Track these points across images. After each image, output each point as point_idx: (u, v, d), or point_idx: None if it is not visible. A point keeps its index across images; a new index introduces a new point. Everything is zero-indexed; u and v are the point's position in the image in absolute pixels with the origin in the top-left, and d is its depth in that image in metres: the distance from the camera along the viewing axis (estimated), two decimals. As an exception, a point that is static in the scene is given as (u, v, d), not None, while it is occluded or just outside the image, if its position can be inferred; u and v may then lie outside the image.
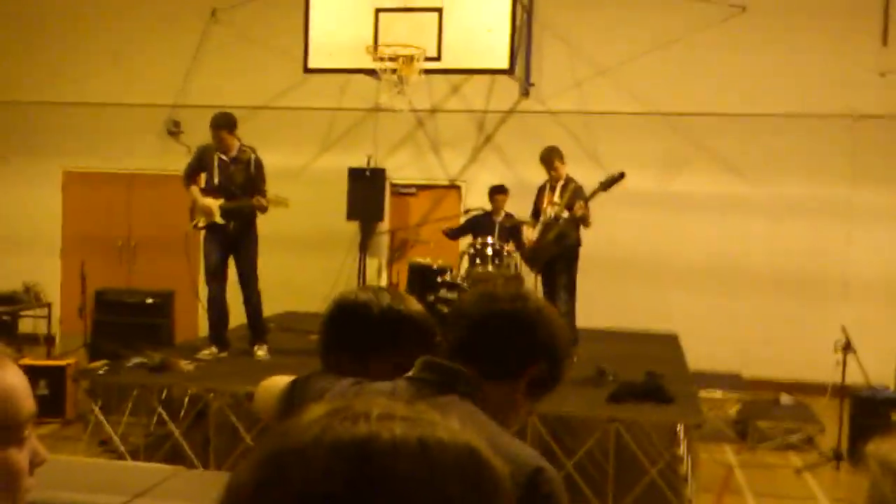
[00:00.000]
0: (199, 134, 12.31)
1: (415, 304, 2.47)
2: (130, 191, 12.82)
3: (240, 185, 8.02)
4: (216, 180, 8.05)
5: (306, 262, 11.88)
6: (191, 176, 8.24)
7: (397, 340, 2.36)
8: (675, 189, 11.34)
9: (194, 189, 8.17)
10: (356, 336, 2.39)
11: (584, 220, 8.78)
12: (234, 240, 8.11)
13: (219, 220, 8.04)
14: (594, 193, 8.61)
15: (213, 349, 8.14)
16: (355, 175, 11.00)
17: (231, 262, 8.28)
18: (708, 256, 11.35)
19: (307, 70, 10.10)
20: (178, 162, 12.32)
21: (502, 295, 2.12)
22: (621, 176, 8.47)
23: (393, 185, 11.85)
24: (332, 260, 11.36)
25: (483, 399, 2.00)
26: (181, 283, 10.77)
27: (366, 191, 10.87)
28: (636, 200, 10.26)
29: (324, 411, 0.98)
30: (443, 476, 0.93)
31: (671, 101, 11.34)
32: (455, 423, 0.98)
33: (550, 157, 8.97)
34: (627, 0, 11.27)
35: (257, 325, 8.39)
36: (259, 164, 8.12)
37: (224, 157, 8.05)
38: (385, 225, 11.38)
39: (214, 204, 8.03)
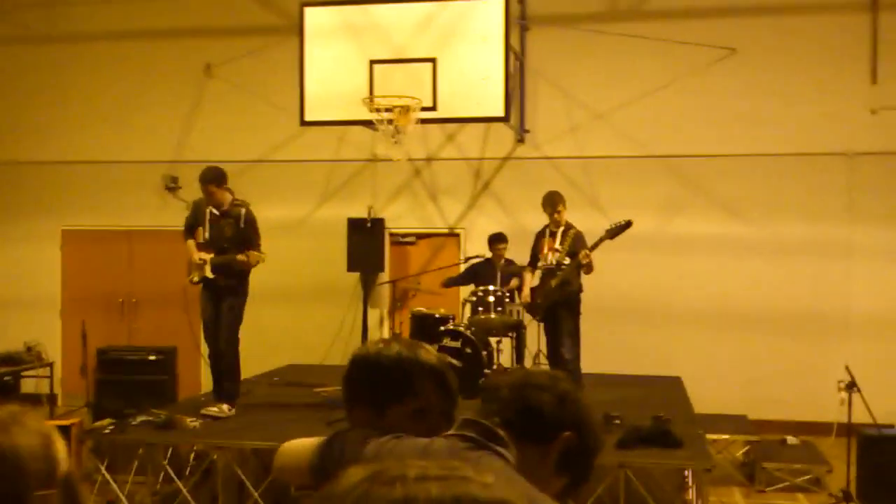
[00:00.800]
0: (198, 189, 12.38)
1: (427, 350, 2.51)
2: (130, 247, 12.85)
3: (228, 239, 8.02)
4: (207, 235, 8.09)
5: (308, 315, 11.90)
6: (189, 230, 8.29)
7: (412, 387, 2.39)
8: (675, 231, 11.39)
9: (191, 243, 8.22)
10: (370, 388, 2.42)
11: (588, 268, 8.82)
12: (218, 293, 8.13)
13: (209, 274, 8.06)
14: (600, 241, 8.66)
15: (223, 406, 8.09)
16: (355, 225, 11.06)
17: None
18: (709, 298, 11.36)
19: (304, 123, 10.16)
20: (176, 217, 12.38)
21: (540, 373, 2.26)
22: (628, 224, 8.53)
23: (392, 235, 11.90)
24: (334, 311, 11.39)
25: (517, 461, 2.04)
26: (183, 339, 10.78)
27: (366, 241, 10.92)
28: (636, 244, 10.30)
29: (361, 476, 1.00)
30: None
31: (667, 144, 11.44)
32: (489, 478, 1.00)
33: (554, 201, 9.03)
34: (619, 45, 11.36)
35: (225, 383, 8.21)
36: (250, 219, 8.09)
37: (215, 212, 8.09)
38: (386, 275, 11.41)
39: (206, 258, 8.07)
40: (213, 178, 8.08)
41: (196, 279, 8.16)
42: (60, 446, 1.39)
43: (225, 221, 8.07)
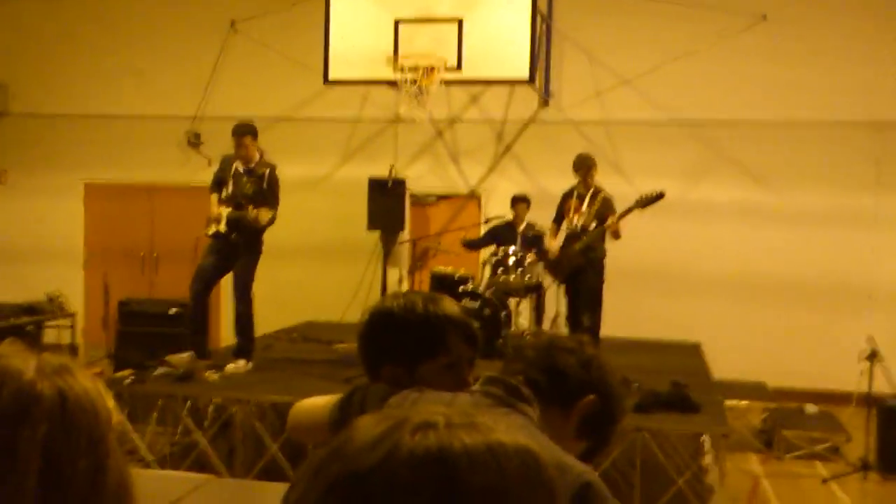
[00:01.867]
0: (220, 145, 12.36)
1: (449, 301, 2.48)
2: (152, 202, 12.88)
3: (248, 196, 7.99)
4: (230, 190, 8.09)
5: (327, 273, 11.92)
6: (216, 185, 8.28)
7: (444, 342, 2.37)
8: (698, 198, 11.29)
9: (213, 197, 8.23)
10: (400, 346, 2.39)
11: (616, 234, 8.75)
12: (235, 251, 8.13)
13: (222, 228, 8.06)
14: (629, 210, 8.59)
15: (240, 362, 8.10)
16: (375, 185, 11.01)
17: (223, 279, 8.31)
18: (731, 266, 11.30)
19: (327, 81, 10.13)
20: (198, 173, 12.43)
21: (566, 337, 2.33)
22: (660, 196, 8.44)
23: (413, 196, 11.86)
24: (353, 270, 11.37)
25: (539, 421, 2.04)
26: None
27: (386, 201, 10.87)
28: (659, 209, 10.15)
29: (383, 426, 0.97)
30: (511, 479, 0.95)
31: (693, 109, 11.32)
32: (503, 426, 0.99)
33: (587, 164, 8.95)
34: (647, 9, 11.23)
35: (239, 339, 8.24)
36: (273, 179, 8.09)
37: (240, 169, 8.08)
38: (406, 235, 11.39)
39: (223, 213, 8.08)
40: (249, 130, 8.10)
41: (210, 232, 8.17)
42: (109, 394, 1.39)
43: (248, 179, 8.05)
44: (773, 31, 11.08)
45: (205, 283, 8.16)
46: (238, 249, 8.12)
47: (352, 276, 11.27)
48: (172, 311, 9.77)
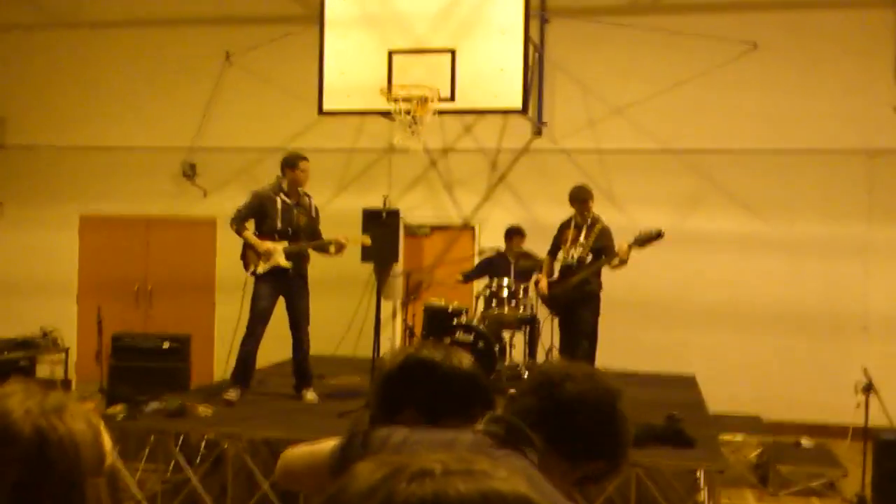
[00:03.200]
0: (215, 176, 12.40)
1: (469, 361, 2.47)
2: (147, 234, 12.82)
3: (302, 228, 8.17)
4: (279, 224, 8.07)
5: (321, 305, 11.73)
6: (244, 220, 8.25)
7: (480, 403, 2.35)
8: (691, 227, 11.23)
9: (250, 234, 8.17)
10: (433, 396, 2.36)
11: (620, 265, 8.62)
12: (291, 284, 8.11)
13: (284, 263, 8.05)
14: (629, 248, 8.46)
15: (237, 390, 8.07)
16: (370, 216, 10.96)
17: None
18: (725, 296, 11.22)
19: (322, 112, 10.10)
20: (193, 205, 12.41)
21: (600, 380, 2.16)
22: (659, 235, 8.33)
23: (407, 226, 11.80)
24: (347, 302, 11.27)
25: (540, 463, 1.99)
26: (197, 327, 10.74)
27: (381, 232, 10.82)
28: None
29: (380, 473, 0.98)
30: None
31: (686, 138, 11.29)
32: (503, 473, 1.00)
33: (582, 197, 8.87)
34: (639, 39, 11.23)
35: (307, 370, 8.39)
36: (317, 209, 8.39)
37: (287, 201, 8.11)
38: (399, 266, 11.32)
39: (278, 247, 8.06)
40: (301, 159, 8.27)
41: (262, 269, 8.10)
42: (106, 435, 1.40)
43: (298, 210, 8.15)
44: (765, 60, 11.07)
45: (265, 325, 8.18)
46: (291, 284, 8.13)
47: (345, 308, 11.18)
48: (166, 345, 9.69)
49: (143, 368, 9.54)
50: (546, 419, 2.05)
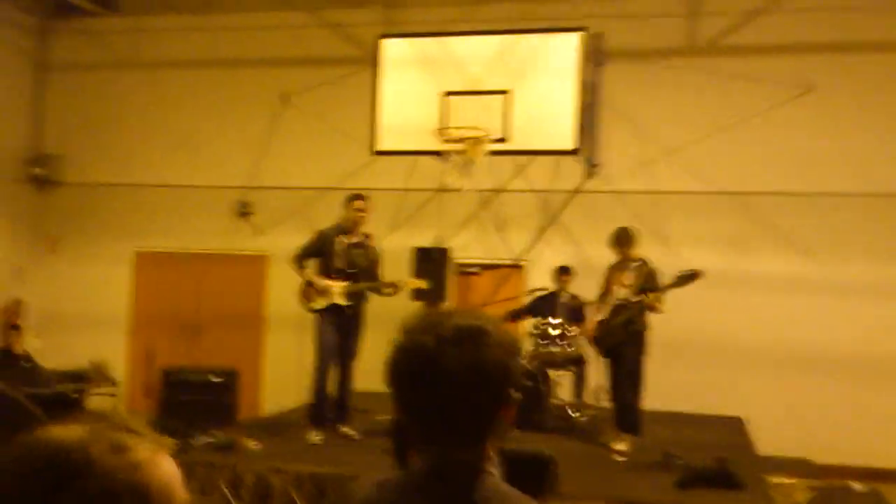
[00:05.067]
0: (269, 214, 12.58)
1: None
2: (200, 270, 13.02)
3: (363, 269, 8.39)
4: (338, 264, 8.23)
5: (370, 341, 11.88)
6: (305, 258, 8.45)
7: None
8: (741, 268, 11.18)
9: (310, 272, 8.37)
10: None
11: (654, 310, 8.65)
12: (347, 321, 8.25)
13: (344, 301, 8.26)
14: (667, 288, 8.49)
15: (320, 433, 8.30)
16: (421, 255, 11.04)
17: None
18: (775, 337, 11.12)
19: (375, 152, 10.25)
20: (246, 242, 12.60)
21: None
22: (695, 275, 8.34)
23: (457, 265, 11.86)
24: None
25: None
26: (245, 362, 10.84)
27: (430, 269, 10.88)
28: (703, 281, 10.12)
29: None
30: None
31: (739, 180, 11.28)
32: None
33: (622, 240, 8.89)
34: (693, 81, 11.26)
35: (346, 404, 8.61)
36: (378, 250, 8.62)
37: (347, 241, 8.26)
38: (449, 305, 11.36)
39: (337, 286, 8.22)
40: (360, 196, 8.47)
41: (320, 306, 8.28)
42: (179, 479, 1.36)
43: (358, 251, 8.36)
44: (818, 103, 11.03)
45: (335, 360, 8.37)
46: (348, 321, 8.33)
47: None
48: (215, 379, 9.79)
49: (193, 402, 9.62)
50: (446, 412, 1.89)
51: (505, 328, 1.95)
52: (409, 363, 1.92)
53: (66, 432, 1.28)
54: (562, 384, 9.80)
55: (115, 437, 1.30)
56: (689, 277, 8.35)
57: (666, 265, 9.03)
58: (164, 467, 1.31)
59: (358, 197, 8.44)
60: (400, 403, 1.93)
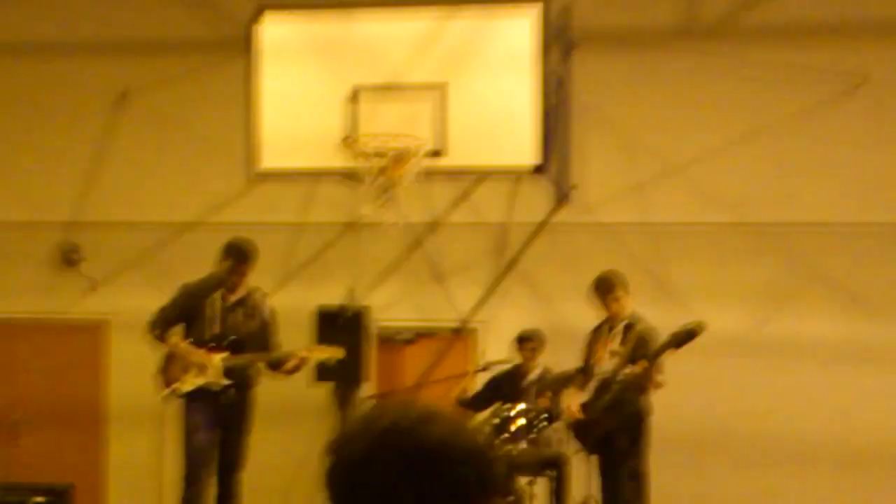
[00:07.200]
0: (106, 261, 12.38)
1: None
2: (11, 344, 12.76)
3: (249, 335, 8.46)
4: (216, 329, 8.19)
5: (259, 445, 11.74)
6: (170, 324, 8.37)
7: None
8: (776, 331, 11.29)
9: (177, 341, 8.29)
10: None
11: (646, 382, 8.71)
12: (228, 411, 8.20)
13: (221, 380, 8.19)
14: (661, 350, 8.58)
15: None
16: (326, 318, 11.01)
17: None
18: (823, 424, 11.25)
19: (257, 173, 10.21)
20: (77, 302, 12.37)
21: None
22: (696, 332, 8.43)
23: (380, 332, 11.83)
24: (295, 437, 11.23)
25: None
26: (80, 473, 10.67)
27: (342, 339, 10.84)
28: (722, 347, 10.25)
29: None
30: None
31: (767, 207, 11.44)
32: None
33: (606, 286, 8.97)
34: (700, 71, 11.41)
35: None
36: (271, 312, 8.74)
37: (227, 299, 8.23)
38: (370, 387, 11.33)
39: (215, 360, 8.15)
40: (255, 253, 8.78)
41: (187, 388, 8.20)
42: None
43: (241, 311, 8.29)
44: (877, 100, 11.24)
45: (208, 471, 8.28)
46: (228, 412, 8.34)
47: (293, 445, 11.14)
48: (39, 499, 9.63)
49: (7, 533, 9.49)
50: None
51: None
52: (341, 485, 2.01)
53: None
54: (535, 495, 9.79)
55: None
56: (685, 335, 8.47)
57: (669, 323, 9.10)
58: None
59: (245, 242, 8.42)
60: None
